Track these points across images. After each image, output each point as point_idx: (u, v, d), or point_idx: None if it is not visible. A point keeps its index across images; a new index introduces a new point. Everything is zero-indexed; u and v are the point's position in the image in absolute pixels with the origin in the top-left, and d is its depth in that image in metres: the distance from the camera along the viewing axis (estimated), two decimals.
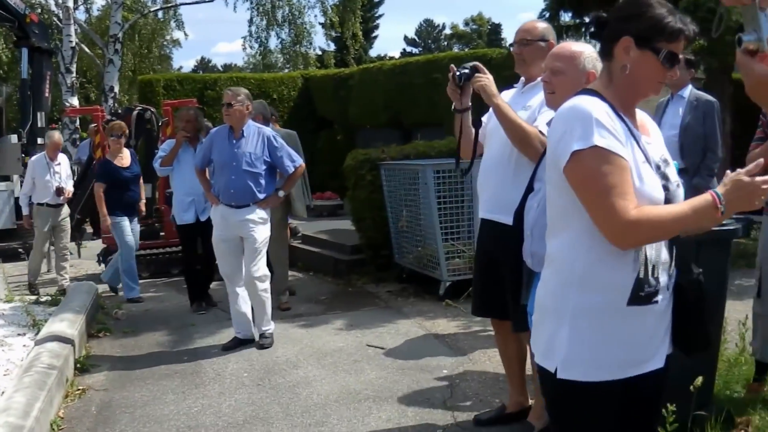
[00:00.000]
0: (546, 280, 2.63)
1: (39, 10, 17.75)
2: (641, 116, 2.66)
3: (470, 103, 4.55)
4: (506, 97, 4.54)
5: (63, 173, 10.43)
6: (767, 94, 2.09)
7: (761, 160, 2.37)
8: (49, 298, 9.24)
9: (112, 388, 6.21)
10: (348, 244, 10.35)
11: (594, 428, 2.58)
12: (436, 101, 13.88)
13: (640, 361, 2.54)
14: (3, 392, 5.58)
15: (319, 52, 32.50)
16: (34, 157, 10.60)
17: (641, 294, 2.46)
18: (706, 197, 2.39)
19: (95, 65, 24.50)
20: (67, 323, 7.20)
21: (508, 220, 4.09)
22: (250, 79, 18.28)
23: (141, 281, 9.99)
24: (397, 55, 64.49)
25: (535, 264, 3.61)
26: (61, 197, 10.30)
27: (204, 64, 70.06)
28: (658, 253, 2.50)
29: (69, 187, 10.49)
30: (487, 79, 4.35)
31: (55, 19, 22.00)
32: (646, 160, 2.47)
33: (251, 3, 26.18)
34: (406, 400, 5.52)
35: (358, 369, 6.30)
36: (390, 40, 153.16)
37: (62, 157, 10.55)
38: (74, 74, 19.27)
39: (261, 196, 6.95)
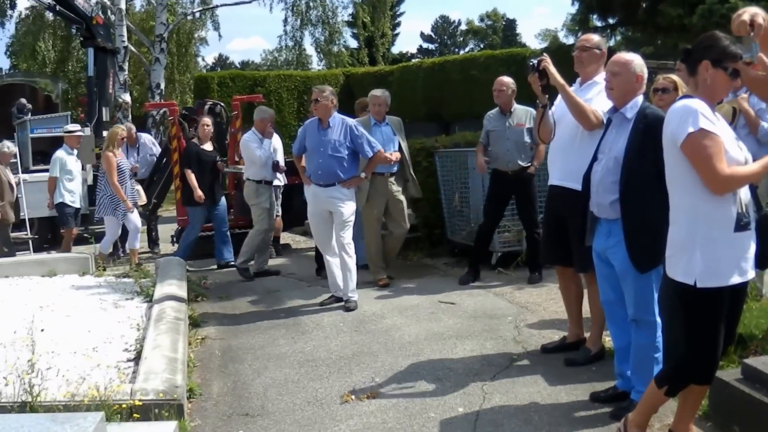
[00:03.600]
0: (677, 223, 3.98)
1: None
2: (717, 113, 4.02)
3: (548, 101, 5.86)
4: None
5: (279, 150, 10.77)
6: (756, 86, 3.37)
7: None
8: (139, 272, 9.99)
9: (227, 337, 7.38)
10: None
11: (714, 323, 3.95)
12: (473, 96, 15.06)
13: (744, 272, 3.93)
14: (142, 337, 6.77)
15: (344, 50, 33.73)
16: (245, 135, 10.60)
17: (741, 223, 3.87)
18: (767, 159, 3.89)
19: (141, 64, 25.68)
20: (176, 287, 8.39)
21: (575, 185, 5.40)
22: (296, 76, 19.46)
23: (210, 259, 11.39)
24: (414, 51, 65.66)
25: (600, 212, 4.97)
26: (278, 174, 10.62)
27: (222, 62, 70.71)
28: (746, 196, 3.90)
29: (283, 163, 10.73)
30: (552, 66, 5.70)
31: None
32: (730, 138, 3.87)
33: (286, 3, 27.38)
34: (483, 338, 6.78)
35: (436, 318, 7.52)
36: (407, 36, 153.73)
37: (276, 137, 10.84)
38: (126, 72, 20.32)
39: (344, 176, 8.14)
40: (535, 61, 5.74)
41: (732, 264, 3.86)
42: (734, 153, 3.84)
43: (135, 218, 11.26)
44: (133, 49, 22.85)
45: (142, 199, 12.11)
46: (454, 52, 59.22)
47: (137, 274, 9.83)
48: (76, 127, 11.93)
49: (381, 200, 9.07)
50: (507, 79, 8.75)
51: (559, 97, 5.76)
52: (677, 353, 4.09)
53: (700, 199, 3.83)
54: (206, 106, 13.09)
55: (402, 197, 9.22)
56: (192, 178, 10.91)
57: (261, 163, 10.21)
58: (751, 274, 3.97)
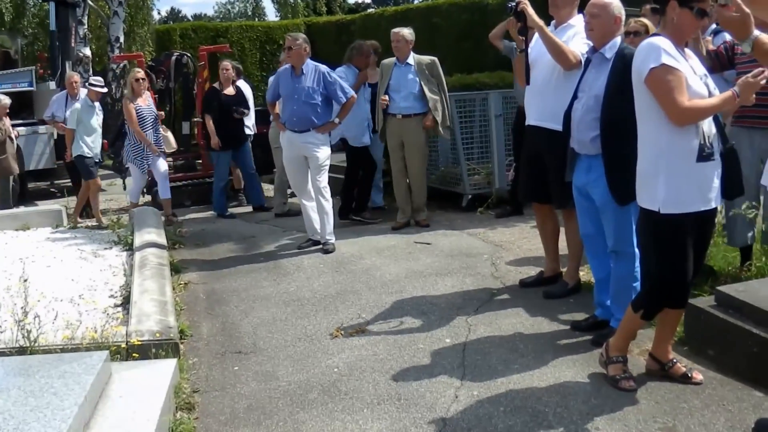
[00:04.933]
0: (643, 154, 4.24)
1: None
2: (688, 50, 4.28)
3: (525, 47, 6.01)
4: None
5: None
6: (731, 27, 3.64)
7: (764, 70, 3.99)
8: (112, 222, 10.07)
9: (210, 282, 7.53)
10: None
11: (680, 248, 4.21)
12: (436, 44, 15.10)
13: (708, 200, 4.17)
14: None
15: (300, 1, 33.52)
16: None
17: (703, 154, 4.09)
18: (728, 92, 4.06)
19: (99, 18, 25.36)
20: (155, 235, 8.52)
21: (552, 125, 5.64)
22: (258, 26, 19.43)
23: (183, 209, 11.53)
24: (368, 0, 65.16)
25: (581, 148, 5.20)
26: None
27: (174, 15, 69.62)
28: (710, 129, 4.13)
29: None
30: (530, 8, 5.86)
31: None
32: (694, 73, 4.09)
33: None
34: (462, 275, 7.02)
35: (414, 258, 7.74)
36: None
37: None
38: (86, 26, 20.02)
39: (318, 122, 8.25)
40: (513, 3, 5.91)
41: (694, 192, 4.12)
42: (697, 87, 4.07)
43: (162, 166, 10.98)
44: (90, 3, 22.51)
45: (171, 146, 11.77)
46: (409, 2, 59.12)
47: (114, 224, 9.90)
48: (100, 81, 11.54)
49: (395, 141, 9.14)
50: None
51: (535, 38, 5.93)
52: (651, 278, 4.36)
53: (664, 131, 4.08)
54: (173, 57, 13.12)
55: (420, 138, 9.09)
56: (210, 123, 10.84)
57: None
58: (715, 203, 4.22)
